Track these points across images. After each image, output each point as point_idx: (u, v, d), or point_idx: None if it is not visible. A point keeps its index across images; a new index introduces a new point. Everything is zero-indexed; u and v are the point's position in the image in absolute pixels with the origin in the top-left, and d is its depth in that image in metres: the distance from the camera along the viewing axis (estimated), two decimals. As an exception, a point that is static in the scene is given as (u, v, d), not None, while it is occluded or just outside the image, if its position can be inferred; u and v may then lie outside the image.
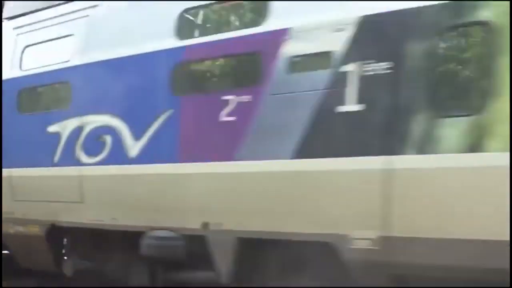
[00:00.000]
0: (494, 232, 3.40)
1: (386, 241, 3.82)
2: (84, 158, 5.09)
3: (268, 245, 4.29)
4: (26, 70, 5.86)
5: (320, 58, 3.99)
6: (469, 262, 3.40)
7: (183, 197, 4.68)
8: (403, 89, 3.68)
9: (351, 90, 3.92)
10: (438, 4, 3.68)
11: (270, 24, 4.25)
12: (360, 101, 3.91)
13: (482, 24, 3.54)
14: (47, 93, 5.75)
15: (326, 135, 4.03)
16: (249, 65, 4.40)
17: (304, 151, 4.04)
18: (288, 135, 4.13)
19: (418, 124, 3.67)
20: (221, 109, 4.35)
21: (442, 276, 3.58)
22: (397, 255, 3.80)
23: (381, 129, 3.83)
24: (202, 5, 4.71)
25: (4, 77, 5.98)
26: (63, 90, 5.43)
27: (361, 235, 4.00)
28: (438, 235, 3.62)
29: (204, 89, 4.71)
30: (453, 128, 3.59)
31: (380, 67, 3.81)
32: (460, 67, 3.66)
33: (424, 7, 3.73)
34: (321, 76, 4.01)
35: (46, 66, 5.58)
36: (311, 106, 4.04)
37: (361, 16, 3.92)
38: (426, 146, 3.72)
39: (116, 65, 4.99)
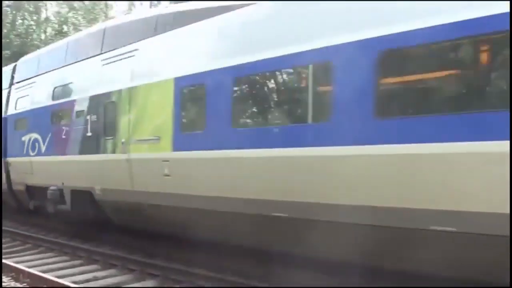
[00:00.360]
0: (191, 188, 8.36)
1: (109, 193, 9.17)
2: (30, 152, 11.44)
3: (80, 192, 10.03)
4: (17, 110, 12.39)
5: (82, 112, 9.66)
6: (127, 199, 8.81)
7: (56, 172, 10.54)
8: (99, 127, 9.24)
9: (89, 126, 9.48)
10: (105, 92, 9.17)
11: (72, 97, 10.05)
12: (91, 131, 9.46)
13: (113, 102, 8.88)
14: (22, 122, 12.20)
15: (85, 145, 9.71)
16: (68, 114, 10.26)
17: (80, 151, 9.80)
18: (77, 145, 9.90)
19: (102, 141, 9.18)
20: (62, 132, 10.26)
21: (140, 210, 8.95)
22: (108, 197, 9.26)
23: (95, 143, 9.36)
24: (61, 85, 10.68)
25: (9, 113, 12.78)
26: (25, 121, 11.87)
27: (97, 188, 9.35)
28: (131, 188, 8.83)
29: (58, 123, 10.69)
30: (109, 143, 8.97)
31: (95, 117, 9.30)
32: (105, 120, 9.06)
33: (104, 93, 9.21)
34: (83, 120, 9.62)
35: (21, 109, 12.14)
36: (82, 133, 9.68)
37: (90, 96, 9.57)
38: (103, 151, 9.15)
39: (36, 111, 11.41)
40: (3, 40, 36.08)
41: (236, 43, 6.89)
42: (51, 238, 10.57)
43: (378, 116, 5.08)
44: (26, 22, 39.71)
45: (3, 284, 7.30)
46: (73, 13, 39.46)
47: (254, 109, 6.84)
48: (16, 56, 34.82)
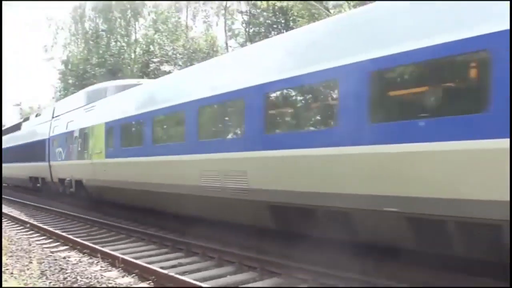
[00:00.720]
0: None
1: (88, 181, 16.48)
2: (58, 159, 19.00)
3: (78, 181, 17.23)
4: (54, 133, 19.85)
5: (77, 137, 16.99)
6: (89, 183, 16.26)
7: (68, 170, 17.88)
8: (82, 145, 16.44)
9: (79, 145, 16.76)
10: (84, 127, 16.51)
11: (73, 128, 17.54)
12: (79, 147, 16.79)
13: (87, 132, 16.23)
14: (55, 141, 19.56)
15: (78, 155, 16.83)
16: (72, 137, 17.44)
17: (77, 158, 17.01)
18: (75, 154, 17.09)
19: (84, 153, 16.28)
20: (70, 147, 17.64)
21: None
22: (88, 183, 16.47)
23: (82, 153, 16.42)
24: (69, 121, 18.17)
25: (50, 135, 20.29)
26: (57, 140, 19.36)
27: (85, 179, 16.65)
28: (99, 178, 16.14)
29: (68, 142, 17.87)
30: (86, 154, 16.20)
31: (81, 140, 16.50)
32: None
33: (84, 127, 16.42)
34: (77, 141, 16.91)
35: (56, 133, 19.62)
36: (77, 148, 16.91)
37: (79, 128, 16.84)
38: (84, 158, 16.30)
39: (60, 135, 18.80)
40: (99, 60, 38.67)
41: (121, 108, 13.93)
42: (141, 230, 11.39)
43: None
44: (118, 43, 42.50)
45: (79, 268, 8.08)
46: (158, 35, 41.86)
47: (128, 139, 13.53)
48: (110, 73, 37.25)
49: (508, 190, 4.81)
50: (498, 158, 4.91)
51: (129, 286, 6.73)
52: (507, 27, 4.87)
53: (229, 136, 9.16)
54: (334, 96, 6.85)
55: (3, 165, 27.67)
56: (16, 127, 27.14)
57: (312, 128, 7.29)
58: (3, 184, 30.76)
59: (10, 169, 26.80)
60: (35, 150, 21.42)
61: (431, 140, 5.54)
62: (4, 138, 29.20)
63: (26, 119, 26.86)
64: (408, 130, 5.76)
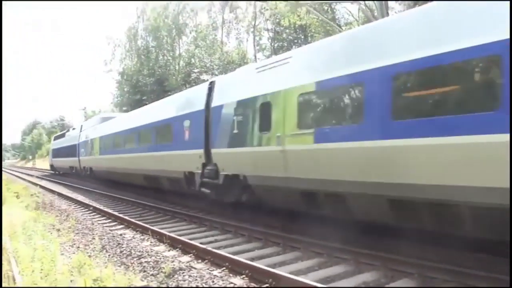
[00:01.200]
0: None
1: (94, 167, 27.20)
2: (82, 155, 29.57)
3: (90, 168, 28.54)
4: (80, 141, 30.47)
5: (88, 144, 27.01)
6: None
7: (86, 161, 28.61)
8: (90, 149, 26.82)
9: (88, 148, 27.30)
10: (90, 138, 27.14)
11: (88, 139, 27.61)
12: (90, 149, 27.38)
13: (91, 143, 27.05)
14: (82, 145, 29.26)
15: (88, 152, 27.28)
16: (87, 144, 27.16)
17: (87, 155, 27.40)
18: (88, 153, 27.69)
19: (91, 152, 26.98)
20: (84, 149, 28.09)
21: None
22: (96, 169, 26.50)
23: (90, 152, 27.09)
24: (85, 135, 28.23)
25: (79, 141, 30.40)
26: (82, 145, 29.72)
27: (93, 166, 27.09)
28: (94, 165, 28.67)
29: (85, 146, 27.83)
30: (92, 152, 26.82)
31: (91, 146, 26.87)
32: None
33: (89, 139, 27.19)
34: (87, 147, 27.10)
35: (82, 140, 30.06)
36: (87, 149, 27.54)
37: (90, 139, 27.64)
38: (91, 154, 26.55)
39: (83, 142, 29.10)
40: (149, 71, 39.37)
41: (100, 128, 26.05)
42: (183, 212, 11.79)
43: None
44: (165, 57, 43.25)
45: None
46: (198, 50, 42.54)
47: (104, 145, 23.96)
48: (158, 82, 37.69)
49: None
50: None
51: (243, 286, 5.74)
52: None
53: (132, 147, 19.05)
54: (187, 126, 12.65)
55: (56, 159, 39.01)
56: (62, 135, 37.95)
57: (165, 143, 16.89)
58: (56, 172, 43.08)
59: (60, 162, 37.39)
60: (72, 150, 31.63)
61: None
62: (56, 141, 40.34)
63: (67, 130, 38.14)
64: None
